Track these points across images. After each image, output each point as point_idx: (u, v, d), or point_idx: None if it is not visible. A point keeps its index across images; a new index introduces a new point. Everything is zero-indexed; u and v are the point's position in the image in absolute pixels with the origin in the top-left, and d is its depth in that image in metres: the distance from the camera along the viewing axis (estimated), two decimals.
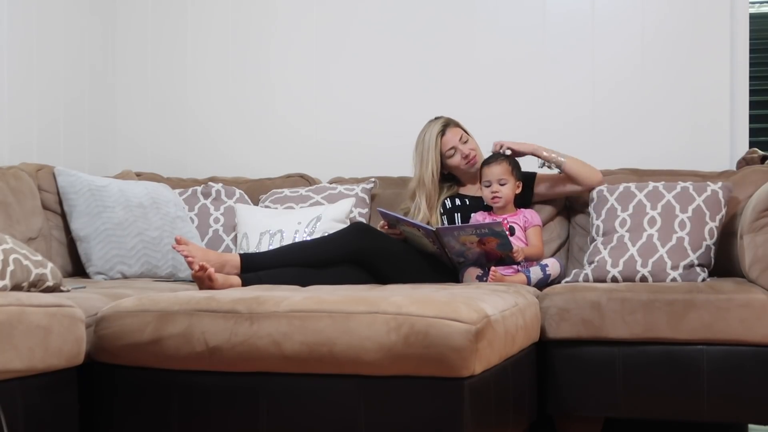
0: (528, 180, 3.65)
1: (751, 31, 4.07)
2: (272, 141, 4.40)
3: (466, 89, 4.20)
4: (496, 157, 3.55)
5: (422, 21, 4.27)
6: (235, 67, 4.45)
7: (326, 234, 3.52)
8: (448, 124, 3.68)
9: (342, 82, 4.34)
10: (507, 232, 3.34)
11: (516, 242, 3.42)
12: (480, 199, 3.63)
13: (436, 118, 3.71)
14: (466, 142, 3.67)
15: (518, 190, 3.57)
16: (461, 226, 3.33)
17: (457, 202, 3.67)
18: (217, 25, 4.47)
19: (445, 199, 3.68)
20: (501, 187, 3.51)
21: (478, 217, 3.57)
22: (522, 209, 3.58)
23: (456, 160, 3.67)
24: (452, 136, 3.66)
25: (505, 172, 3.52)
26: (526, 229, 3.52)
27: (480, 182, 3.58)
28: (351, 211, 3.79)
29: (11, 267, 2.41)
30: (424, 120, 3.73)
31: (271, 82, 4.42)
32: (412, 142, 3.73)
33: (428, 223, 3.58)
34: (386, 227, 3.47)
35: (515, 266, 3.39)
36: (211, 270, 3.01)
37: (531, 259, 3.43)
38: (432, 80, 4.25)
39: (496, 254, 3.33)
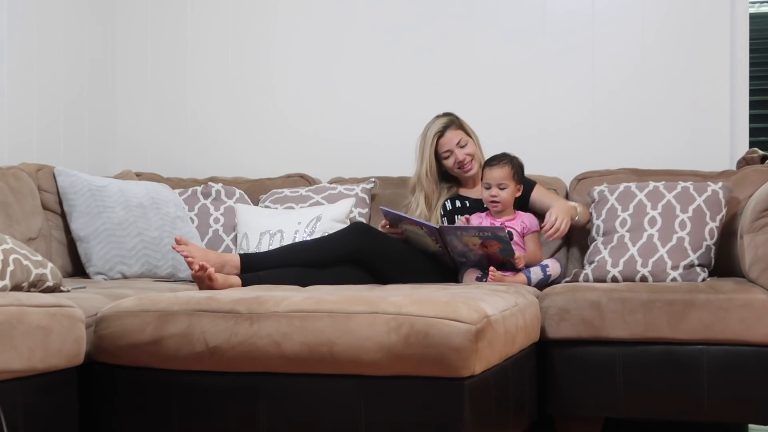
0: (527, 187, 3.60)
1: (751, 31, 4.06)
2: (272, 141, 4.40)
3: (467, 88, 4.20)
4: (500, 159, 3.49)
5: (422, 21, 4.26)
6: (235, 68, 4.45)
7: (326, 234, 3.52)
8: (449, 125, 3.65)
9: (342, 82, 4.34)
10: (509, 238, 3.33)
11: (514, 248, 3.40)
12: (480, 201, 3.61)
13: (442, 115, 3.69)
14: (463, 147, 3.63)
15: (518, 194, 3.53)
16: (464, 227, 3.32)
17: (458, 203, 3.66)
18: (217, 26, 4.47)
19: (446, 200, 3.67)
20: (500, 191, 3.46)
21: (474, 220, 3.54)
22: (520, 213, 3.54)
23: (449, 163, 3.65)
24: (450, 139, 3.63)
25: (506, 176, 3.47)
26: (524, 235, 3.48)
27: (481, 181, 3.56)
28: (351, 211, 3.79)
29: (11, 267, 2.41)
30: (424, 120, 3.72)
31: (272, 82, 4.42)
32: (412, 142, 3.73)
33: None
34: (388, 226, 3.47)
35: None
36: (211, 270, 3.01)
37: (530, 266, 3.41)
38: (432, 80, 4.24)
39: (497, 258, 3.32)
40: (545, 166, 3.89)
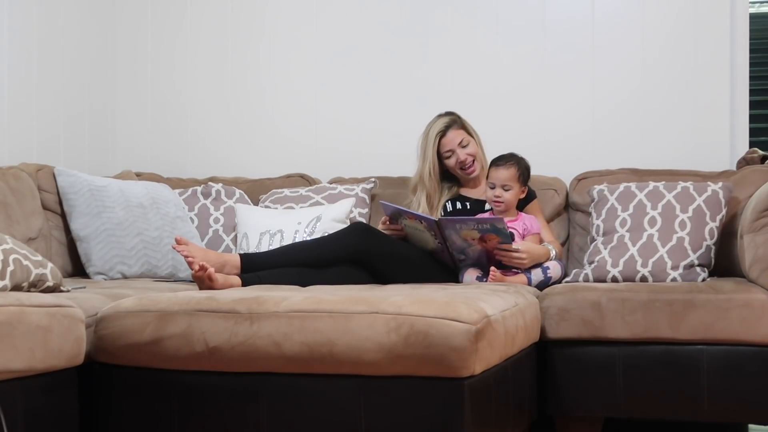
0: (528, 196, 3.57)
1: (751, 31, 4.06)
2: (272, 141, 4.40)
3: (467, 88, 4.19)
4: (507, 159, 3.46)
5: (423, 21, 4.26)
6: (234, 69, 4.45)
7: (326, 234, 3.52)
8: (450, 125, 3.63)
9: (342, 82, 4.33)
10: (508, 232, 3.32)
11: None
12: (481, 202, 3.60)
13: (444, 114, 3.67)
14: (465, 146, 3.62)
15: (522, 195, 3.51)
16: (463, 219, 3.29)
17: (458, 205, 3.65)
18: (216, 27, 4.46)
19: (447, 201, 3.66)
20: (504, 192, 3.44)
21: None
22: (522, 214, 3.53)
23: (451, 163, 3.64)
24: (452, 138, 3.61)
25: (512, 177, 3.44)
26: (525, 236, 3.46)
27: (486, 179, 3.53)
28: (351, 211, 3.79)
29: (11, 267, 2.41)
30: (424, 120, 3.71)
31: (271, 83, 4.41)
32: (412, 142, 3.72)
33: None
34: (388, 222, 3.46)
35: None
36: (211, 270, 3.01)
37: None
38: (432, 81, 4.24)
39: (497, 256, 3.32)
40: (545, 169, 3.88)
